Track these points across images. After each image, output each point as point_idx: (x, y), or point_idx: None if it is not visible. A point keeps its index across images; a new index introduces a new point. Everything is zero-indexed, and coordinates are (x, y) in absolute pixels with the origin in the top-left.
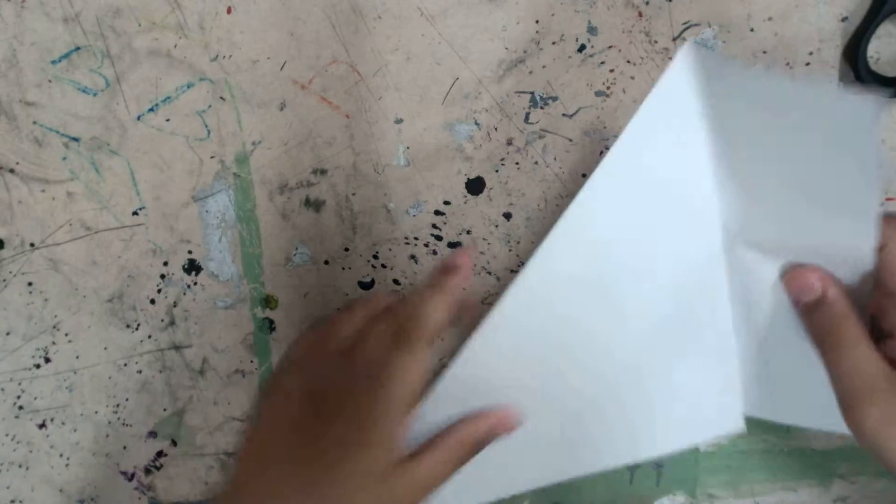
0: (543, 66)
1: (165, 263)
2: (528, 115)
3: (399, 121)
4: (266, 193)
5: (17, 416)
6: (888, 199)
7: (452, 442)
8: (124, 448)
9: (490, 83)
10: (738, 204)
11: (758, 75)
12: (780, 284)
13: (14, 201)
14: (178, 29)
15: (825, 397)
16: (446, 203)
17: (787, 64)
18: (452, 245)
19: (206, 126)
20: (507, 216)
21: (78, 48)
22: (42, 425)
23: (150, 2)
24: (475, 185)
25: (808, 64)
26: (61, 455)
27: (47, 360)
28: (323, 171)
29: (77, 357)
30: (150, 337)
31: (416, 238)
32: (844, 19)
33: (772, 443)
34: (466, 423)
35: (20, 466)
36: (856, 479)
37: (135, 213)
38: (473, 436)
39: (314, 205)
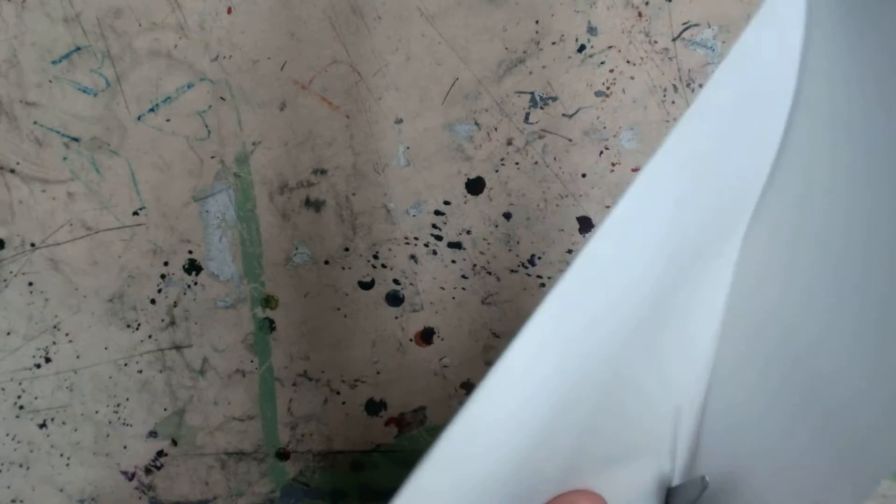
0: (543, 67)
1: (166, 263)
2: (527, 115)
3: (399, 121)
4: (266, 193)
5: (17, 416)
6: None
7: None
8: (124, 448)
9: (490, 83)
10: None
11: None
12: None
13: (14, 201)
14: (179, 29)
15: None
16: (446, 203)
17: None
18: (452, 245)
19: (207, 126)
20: (507, 216)
21: (78, 48)
22: (42, 425)
23: (151, 2)
24: (475, 185)
25: None
26: (62, 455)
27: (48, 360)
28: (323, 171)
29: (77, 357)
30: (150, 337)
31: (416, 238)
32: None
33: None
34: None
35: (21, 466)
36: None
37: (135, 213)
38: None
39: (314, 205)
